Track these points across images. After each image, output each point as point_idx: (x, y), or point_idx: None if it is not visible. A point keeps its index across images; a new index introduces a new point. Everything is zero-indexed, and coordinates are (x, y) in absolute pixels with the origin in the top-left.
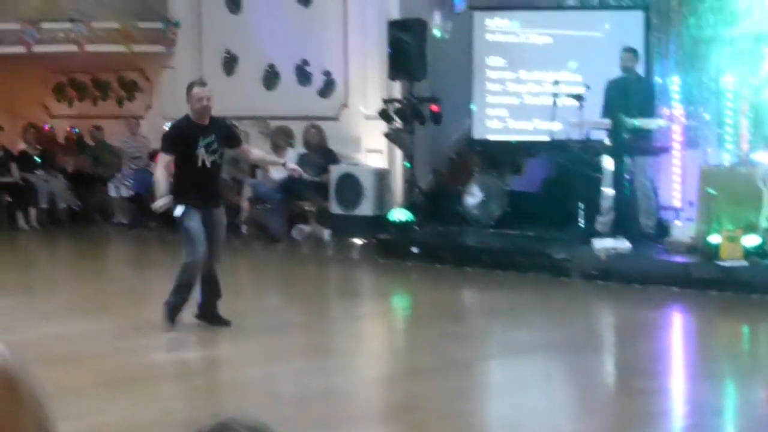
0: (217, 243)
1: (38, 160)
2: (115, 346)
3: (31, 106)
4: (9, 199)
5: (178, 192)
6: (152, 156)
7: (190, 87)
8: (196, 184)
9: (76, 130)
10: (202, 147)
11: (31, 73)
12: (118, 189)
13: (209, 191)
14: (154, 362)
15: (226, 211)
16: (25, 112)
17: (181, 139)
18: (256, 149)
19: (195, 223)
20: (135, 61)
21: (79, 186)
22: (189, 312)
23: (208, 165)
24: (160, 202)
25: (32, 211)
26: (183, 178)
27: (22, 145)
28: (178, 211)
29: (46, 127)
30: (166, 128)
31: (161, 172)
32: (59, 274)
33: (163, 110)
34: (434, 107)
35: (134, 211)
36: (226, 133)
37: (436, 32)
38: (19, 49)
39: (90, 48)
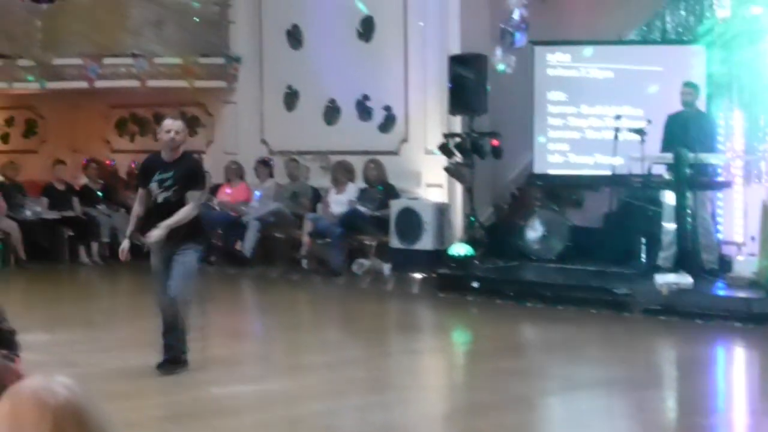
0: (172, 281)
1: (100, 194)
2: (176, 380)
3: (93, 140)
4: (71, 233)
5: (143, 228)
6: (213, 191)
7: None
8: (151, 221)
9: (138, 164)
10: (155, 182)
11: (93, 108)
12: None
13: None
14: (214, 396)
15: (288, 245)
16: (87, 146)
17: (142, 171)
18: (188, 207)
19: (154, 260)
20: (197, 97)
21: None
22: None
23: (159, 201)
24: (123, 245)
25: (94, 246)
26: (146, 213)
27: (84, 180)
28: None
29: (108, 161)
30: (229, 163)
31: (134, 207)
32: (120, 308)
33: (224, 145)
34: (495, 141)
35: None
36: (188, 173)
37: (500, 67)
38: (82, 85)
39: (152, 83)
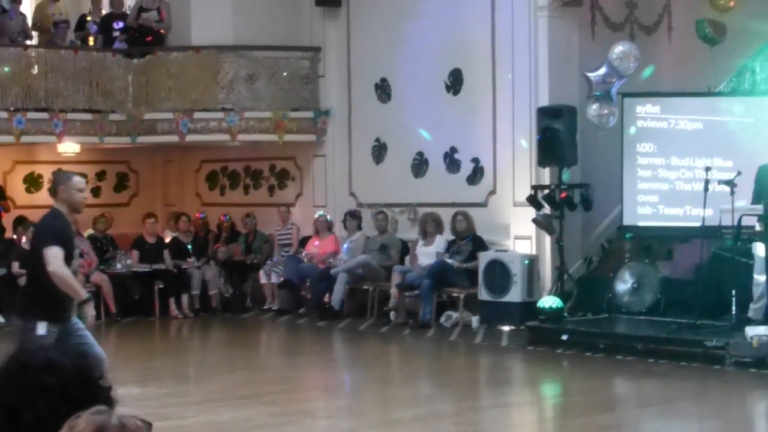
0: None
1: (190, 247)
2: None
3: (183, 193)
4: (162, 286)
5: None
6: (303, 243)
7: (66, 176)
8: None
9: (228, 217)
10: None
11: (184, 161)
12: (269, 276)
13: None
14: None
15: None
16: (178, 199)
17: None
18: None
19: None
20: (286, 150)
21: (230, 273)
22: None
23: None
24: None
25: (185, 298)
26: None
27: (174, 233)
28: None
29: (198, 214)
30: (317, 216)
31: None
32: (211, 362)
33: (313, 198)
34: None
35: (285, 297)
36: None
37: (594, 121)
38: (173, 138)
39: (242, 137)
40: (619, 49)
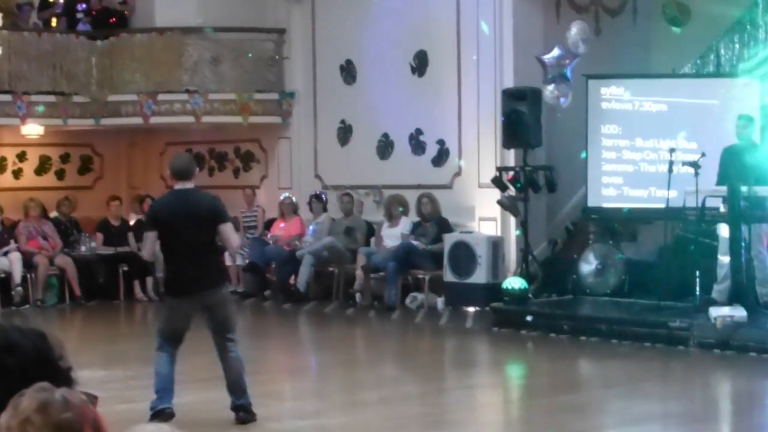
0: None
1: None
2: (231, 416)
3: (148, 176)
4: (126, 269)
5: None
6: (268, 225)
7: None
8: None
9: None
10: None
11: (148, 144)
12: (234, 258)
13: None
14: None
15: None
16: (142, 182)
17: None
18: None
19: None
20: (251, 132)
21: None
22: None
23: None
24: None
25: (149, 281)
26: None
27: (139, 215)
28: None
29: None
30: (283, 198)
31: None
32: None
33: (278, 180)
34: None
35: (250, 280)
36: None
37: (550, 103)
38: (137, 121)
39: (206, 119)
40: (573, 30)
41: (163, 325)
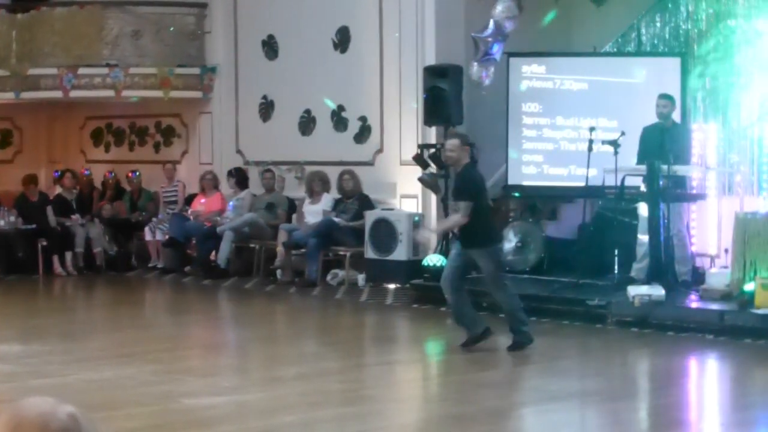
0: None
1: (74, 204)
2: (149, 392)
3: (68, 150)
4: (45, 243)
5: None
6: (189, 201)
7: None
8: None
9: (113, 174)
10: None
11: (69, 118)
12: (154, 233)
13: None
14: (187, 408)
15: (263, 255)
16: (62, 156)
17: None
18: (455, 216)
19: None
20: (172, 107)
21: (115, 231)
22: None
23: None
24: None
25: (68, 256)
26: None
27: (58, 190)
28: None
29: (83, 171)
30: (203, 173)
31: None
32: (95, 320)
33: (199, 156)
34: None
35: (170, 255)
36: (455, 186)
37: (476, 80)
38: (57, 94)
39: (127, 93)
40: (499, 8)
41: None
